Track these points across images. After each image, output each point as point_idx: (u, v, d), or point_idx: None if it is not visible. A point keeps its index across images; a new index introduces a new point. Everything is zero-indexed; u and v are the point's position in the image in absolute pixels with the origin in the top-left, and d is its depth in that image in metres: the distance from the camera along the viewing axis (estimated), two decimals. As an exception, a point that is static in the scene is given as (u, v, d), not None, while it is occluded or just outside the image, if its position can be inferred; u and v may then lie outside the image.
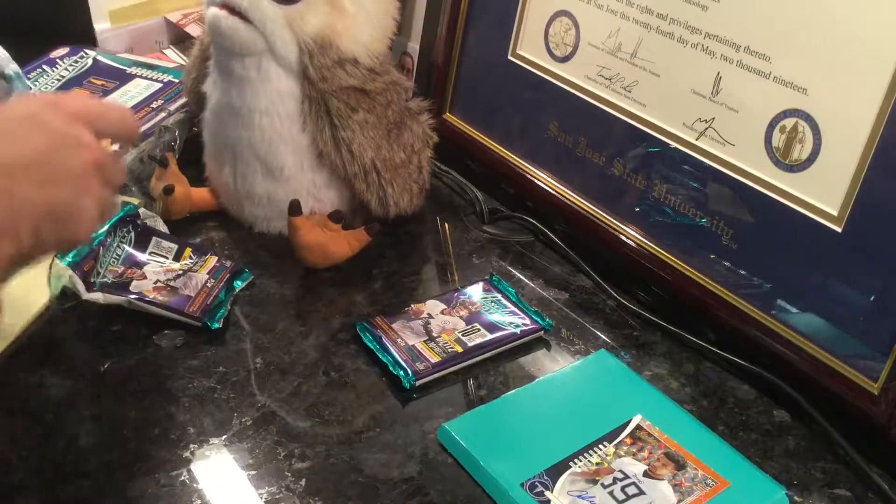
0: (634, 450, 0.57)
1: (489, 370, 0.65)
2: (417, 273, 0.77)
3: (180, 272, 0.70)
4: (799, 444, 0.61)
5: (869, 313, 0.60)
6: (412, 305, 0.70)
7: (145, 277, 0.68)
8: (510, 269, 0.78)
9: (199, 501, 0.52)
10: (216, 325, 0.66)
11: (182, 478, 0.54)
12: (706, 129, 0.68)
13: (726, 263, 0.68)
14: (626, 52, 0.73)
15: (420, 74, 0.97)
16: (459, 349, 0.65)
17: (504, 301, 0.70)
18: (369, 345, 0.65)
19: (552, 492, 0.53)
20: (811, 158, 0.62)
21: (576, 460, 0.56)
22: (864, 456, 0.59)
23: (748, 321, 0.66)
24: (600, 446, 0.57)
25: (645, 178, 0.73)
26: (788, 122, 0.63)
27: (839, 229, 0.60)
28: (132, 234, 0.71)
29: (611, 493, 0.54)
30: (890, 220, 0.58)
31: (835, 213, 0.61)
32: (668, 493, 0.54)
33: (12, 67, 0.76)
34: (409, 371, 0.62)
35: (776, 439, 0.61)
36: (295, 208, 0.71)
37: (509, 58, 0.84)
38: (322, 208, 0.76)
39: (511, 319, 0.68)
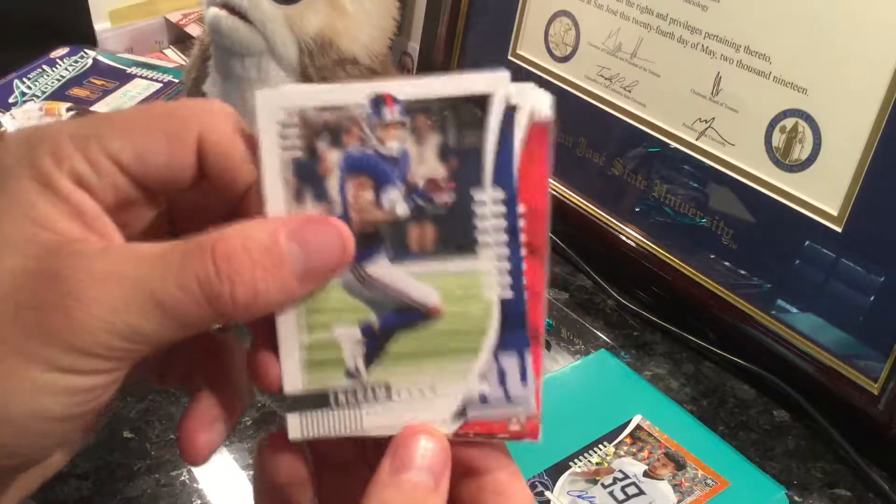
0: (634, 450, 0.57)
1: (489, 370, 0.65)
2: (417, 273, 0.76)
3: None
4: (799, 444, 0.61)
5: (869, 313, 0.59)
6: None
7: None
8: (510, 269, 0.78)
9: (199, 501, 0.52)
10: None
11: (182, 478, 0.54)
12: (706, 129, 0.68)
13: (726, 263, 0.68)
14: (626, 52, 0.73)
15: (420, 74, 0.97)
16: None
17: (504, 301, 0.70)
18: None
19: (552, 492, 0.53)
20: (811, 158, 0.62)
21: (576, 460, 0.56)
22: (864, 456, 0.59)
23: (748, 321, 0.66)
24: (600, 446, 0.57)
25: (645, 178, 0.73)
26: (788, 122, 0.63)
27: (839, 229, 0.60)
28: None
29: (611, 493, 0.53)
30: (890, 220, 0.58)
31: (835, 213, 0.61)
32: (668, 493, 0.54)
33: None
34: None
35: (776, 439, 0.61)
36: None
37: (509, 58, 0.84)
38: (322, 208, 0.76)
39: (511, 319, 0.68)
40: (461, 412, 0.26)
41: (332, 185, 0.25)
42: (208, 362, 0.29)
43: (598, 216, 0.77)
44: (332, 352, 0.26)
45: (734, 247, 0.67)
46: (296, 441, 0.27)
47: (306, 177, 0.25)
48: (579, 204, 0.78)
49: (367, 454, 0.28)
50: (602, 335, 0.70)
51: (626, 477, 0.55)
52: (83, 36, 1.00)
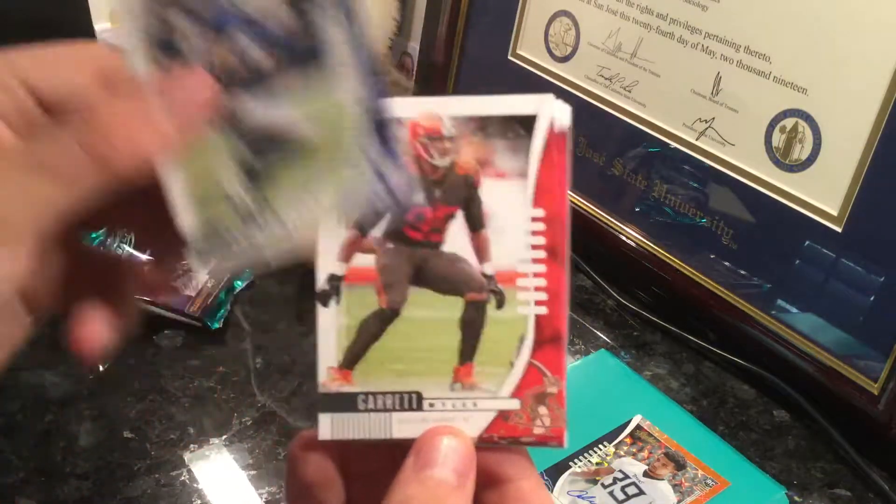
0: (634, 450, 0.57)
1: (489, 370, 0.65)
2: (417, 273, 0.76)
3: (181, 272, 0.70)
4: (799, 444, 0.61)
5: (869, 313, 0.60)
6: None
7: (145, 277, 0.68)
8: (510, 269, 0.78)
9: (199, 501, 0.52)
10: (216, 325, 0.66)
11: (182, 478, 0.54)
12: (706, 129, 0.68)
13: (726, 263, 0.68)
14: (626, 52, 0.73)
15: (420, 74, 0.97)
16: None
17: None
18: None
19: (552, 492, 0.53)
20: (811, 158, 0.62)
21: (576, 460, 0.56)
22: (864, 456, 0.59)
23: (748, 321, 0.66)
24: (600, 446, 0.57)
25: (645, 178, 0.73)
26: (788, 122, 0.63)
27: (839, 229, 0.60)
28: (132, 234, 0.71)
29: (611, 493, 0.54)
30: (890, 220, 0.58)
31: (835, 213, 0.61)
32: (668, 493, 0.54)
33: None
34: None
35: (776, 439, 0.61)
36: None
37: (509, 58, 0.84)
38: (322, 208, 0.76)
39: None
40: (350, 214, 0.28)
41: (191, 47, 0.27)
42: (102, 278, 0.31)
43: (598, 216, 0.77)
44: (217, 189, 0.28)
45: (734, 247, 0.67)
46: (201, 270, 0.29)
47: (166, 47, 0.27)
48: (579, 204, 0.78)
49: (396, 463, 0.28)
50: (602, 335, 0.70)
51: (626, 477, 0.55)
52: (83, 36, 0.99)
